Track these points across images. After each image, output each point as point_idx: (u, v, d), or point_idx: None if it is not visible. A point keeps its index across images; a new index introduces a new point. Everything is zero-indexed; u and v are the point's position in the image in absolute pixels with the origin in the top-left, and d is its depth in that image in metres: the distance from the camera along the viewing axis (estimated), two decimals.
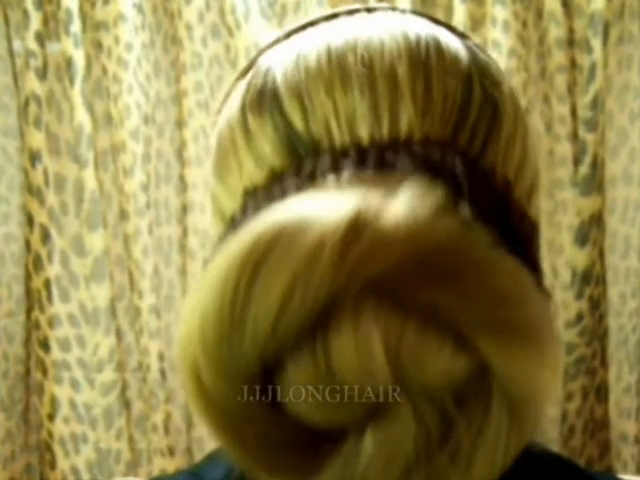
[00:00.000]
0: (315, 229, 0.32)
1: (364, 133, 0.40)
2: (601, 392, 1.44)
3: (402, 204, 0.33)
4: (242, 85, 0.45)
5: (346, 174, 0.38)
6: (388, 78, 0.40)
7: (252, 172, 0.42)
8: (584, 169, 1.40)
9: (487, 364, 0.34)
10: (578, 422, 1.42)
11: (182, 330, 0.35)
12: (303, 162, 0.40)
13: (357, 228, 0.32)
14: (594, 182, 1.40)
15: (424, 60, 0.41)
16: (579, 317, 1.41)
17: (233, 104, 0.44)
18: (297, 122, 0.41)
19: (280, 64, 0.43)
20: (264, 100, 0.42)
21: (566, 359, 1.42)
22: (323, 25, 0.45)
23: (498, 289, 0.33)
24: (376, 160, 0.39)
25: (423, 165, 0.39)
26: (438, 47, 0.42)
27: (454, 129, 0.41)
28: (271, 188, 0.41)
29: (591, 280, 1.40)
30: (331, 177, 0.38)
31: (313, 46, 0.42)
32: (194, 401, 0.35)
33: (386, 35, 0.42)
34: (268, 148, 0.41)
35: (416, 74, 0.41)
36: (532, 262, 0.42)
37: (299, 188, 0.39)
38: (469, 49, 0.44)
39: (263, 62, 0.44)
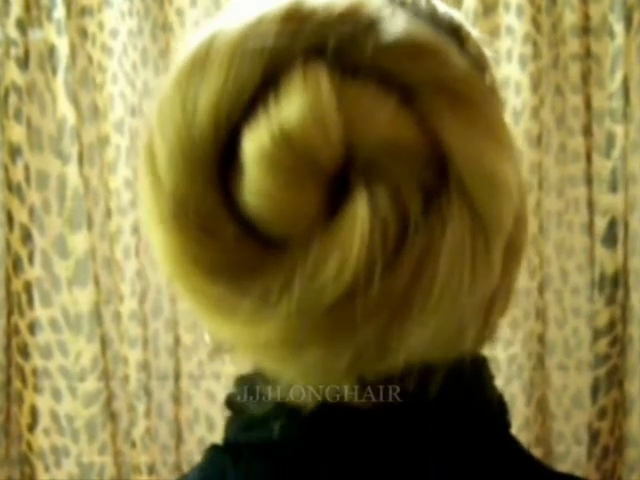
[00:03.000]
0: (261, 9, 0.37)
1: None
2: (625, 406, 1.35)
3: None
4: None
5: None
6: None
7: None
8: (612, 163, 1.30)
9: (437, 139, 0.35)
10: (611, 441, 1.32)
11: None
12: None
13: (298, 4, 0.37)
14: (622, 177, 1.31)
15: None
16: (611, 325, 1.31)
17: None
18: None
19: None
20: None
21: (597, 372, 1.32)
22: None
23: (439, 55, 0.37)
24: None
25: None
26: None
27: None
28: None
29: (619, 285, 1.31)
30: None
31: None
32: (147, 196, 0.37)
33: None
34: None
35: None
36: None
37: None
38: None
39: None
